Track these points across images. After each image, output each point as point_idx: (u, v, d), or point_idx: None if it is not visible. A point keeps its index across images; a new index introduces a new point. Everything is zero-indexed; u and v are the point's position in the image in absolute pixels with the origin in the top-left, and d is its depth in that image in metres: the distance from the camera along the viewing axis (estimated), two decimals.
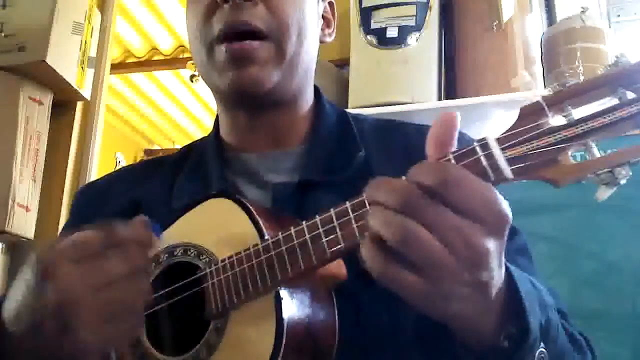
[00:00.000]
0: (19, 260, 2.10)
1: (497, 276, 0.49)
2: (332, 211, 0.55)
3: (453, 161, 0.49)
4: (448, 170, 0.46)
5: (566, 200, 1.47)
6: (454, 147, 0.50)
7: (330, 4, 0.89)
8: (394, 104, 1.78)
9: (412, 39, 1.83)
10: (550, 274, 1.47)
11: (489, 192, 0.46)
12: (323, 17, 0.86)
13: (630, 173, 0.46)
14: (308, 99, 0.85)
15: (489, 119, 1.75)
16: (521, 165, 0.48)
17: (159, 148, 5.25)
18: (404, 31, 1.84)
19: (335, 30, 0.88)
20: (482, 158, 0.48)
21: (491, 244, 0.46)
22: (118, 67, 3.77)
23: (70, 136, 2.24)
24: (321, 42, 0.85)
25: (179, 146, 5.09)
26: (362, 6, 1.92)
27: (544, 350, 0.55)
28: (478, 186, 0.46)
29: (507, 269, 0.52)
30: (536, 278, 0.67)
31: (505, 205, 0.46)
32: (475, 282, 0.47)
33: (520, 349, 0.53)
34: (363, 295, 0.65)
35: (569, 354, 0.61)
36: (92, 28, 2.26)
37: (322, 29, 0.86)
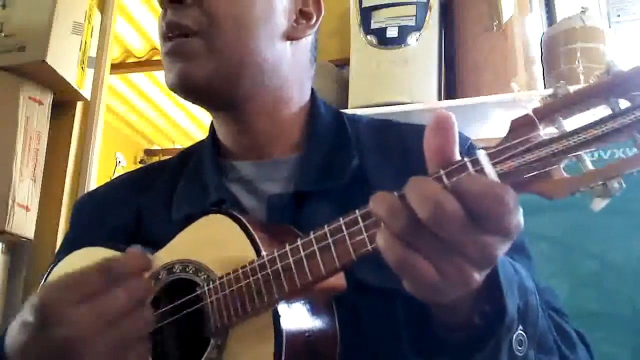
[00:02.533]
0: (19, 260, 2.10)
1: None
2: (326, 228, 0.55)
3: (445, 178, 0.48)
4: (442, 202, 0.45)
5: (566, 200, 1.46)
6: (457, 155, 0.49)
7: None
8: (394, 104, 1.78)
9: (412, 39, 1.83)
10: (550, 274, 1.47)
11: (508, 202, 0.45)
12: (301, 11, 0.82)
13: (624, 185, 0.46)
14: (292, 100, 0.82)
15: (489, 119, 1.75)
16: (513, 179, 0.47)
17: (159, 148, 5.25)
18: (404, 31, 1.84)
19: (317, 24, 0.83)
20: (473, 174, 0.48)
21: (502, 246, 0.47)
22: (118, 67, 3.77)
23: (70, 136, 2.24)
24: (294, 38, 0.81)
25: (179, 146, 5.09)
26: (362, 6, 1.91)
27: (522, 333, 0.55)
28: (500, 199, 0.45)
29: None
30: (534, 276, 0.67)
31: (520, 217, 0.46)
32: (480, 276, 0.48)
33: (496, 329, 0.53)
34: (363, 306, 0.65)
35: (552, 341, 0.61)
36: (92, 28, 2.26)
37: (298, 23, 0.81)
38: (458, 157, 0.49)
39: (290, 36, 0.80)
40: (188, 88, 0.76)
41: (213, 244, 0.67)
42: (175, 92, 0.78)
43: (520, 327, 0.55)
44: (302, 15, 0.82)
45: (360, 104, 1.82)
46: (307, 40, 0.84)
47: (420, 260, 0.46)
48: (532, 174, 0.47)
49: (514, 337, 0.55)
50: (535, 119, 0.48)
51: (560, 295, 0.73)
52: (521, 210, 0.46)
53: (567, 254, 1.56)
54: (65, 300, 0.55)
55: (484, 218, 0.45)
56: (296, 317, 0.60)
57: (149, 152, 5.14)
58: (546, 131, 0.48)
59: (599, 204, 0.47)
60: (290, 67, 0.81)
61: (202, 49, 0.74)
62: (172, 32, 0.75)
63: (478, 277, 0.48)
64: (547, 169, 0.47)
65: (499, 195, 0.45)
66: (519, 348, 0.55)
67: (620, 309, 1.48)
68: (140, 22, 3.65)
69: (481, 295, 0.53)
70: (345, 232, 0.53)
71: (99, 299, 0.55)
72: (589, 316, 1.44)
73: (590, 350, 0.68)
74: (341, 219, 0.53)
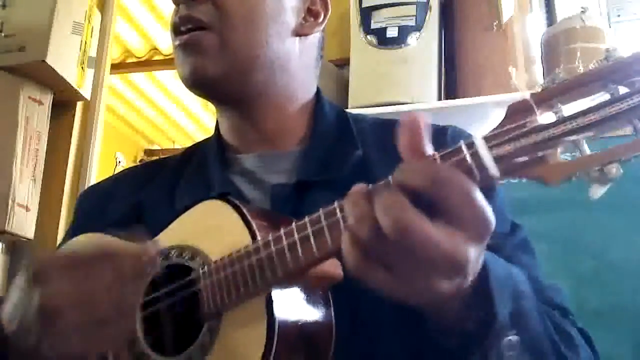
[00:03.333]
0: (19, 260, 2.10)
1: (472, 273, 0.49)
2: (321, 211, 0.54)
3: (439, 160, 0.48)
4: (435, 170, 0.46)
5: (566, 198, 1.47)
6: (429, 149, 0.49)
7: None
8: (394, 104, 1.78)
9: (412, 39, 1.83)
10: (550, 273, 1.46)
11: (476, 197, 0.45)
12: (309, 9, 0.84)
13: (622, 171, 0.45)
14: (297, 96, 0.84)
15: (489, 119, 1.75)
16: (508, 163, 0.47)
17: (159, 148, 5.25)
18: (404, 31, 1.84)
19: (325, 22, 0.86)
20: (468, 157, 0.47)
21: (472, 253, 0.46)
22: (118, 67, 3.77)
23: (70, 136, 2.24)
24: (303, 34, 0.83)
25: (179, 146, 5.09)
26: (362, 6, 1.92)
27: (513, 338, 0.55)
28: (466, 190, 0.45)
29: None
30: (538, 273, 0.66)
31: (490, 212, 0.46)
32: (450, 285, 0.47)
33: (487, 334, 0.53)
34: (361, 294, 0.65)
35: (549, 344, 0.61)
36: (92, 28, 2.26)
37: (306, 20, 0.83)
38: (430, 151, 0.49)
39: (299, 33, 0.82)
40: (201, 83, 0.78)
41: (209, 229, 0.67)
42: (187, 87, 0.79)
43: (513, 332, 0.55)
44: (310, 13, 0.84)
45: (360, 104, 1.82)
46: (315, 38, 0.86)
47: (380, 271, 0.46)
48: (528, 158, 0.47)
49: (505, 342, 0.54)
50: (533, 103, 0.47)
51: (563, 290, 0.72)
52: (485, 202, 0.45)
53: (567, 253, 1.56)
54: (54, 264, 0.57)
55: (445, 209, 0.45)
56: (290, 304, 0.60)
57: (149, 152, 5.14)
58: (544, 116, 0.47)
59: (597, 191, 0.46)
60: (297, 63, 0.83)
61: (215, 44, 0.76)
62: (185, 25, 0.77)
63: (448, 285, 0.47)
64: (543, 154, 0.47)
65: (444, 175, 0.45)
66: (510, 354, 0.55)
67: (620, 308, 1.48)
68: (140, 22, 3.65)
69: (472, 301, 0.52)
70: (339, 215, 0.52)
71: (85, 269, 0.57)
72: (589, 315, 1.44)
73: (594, 348, 0.68)
74: (336, 202, 0.53)
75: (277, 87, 0.81)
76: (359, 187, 0.49)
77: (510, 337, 0.55)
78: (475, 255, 0.46)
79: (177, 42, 0.78)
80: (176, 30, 0.78)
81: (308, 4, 0.84)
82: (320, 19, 0.85)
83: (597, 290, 1.50)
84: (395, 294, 0.48)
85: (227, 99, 0.82)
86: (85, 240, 0.77)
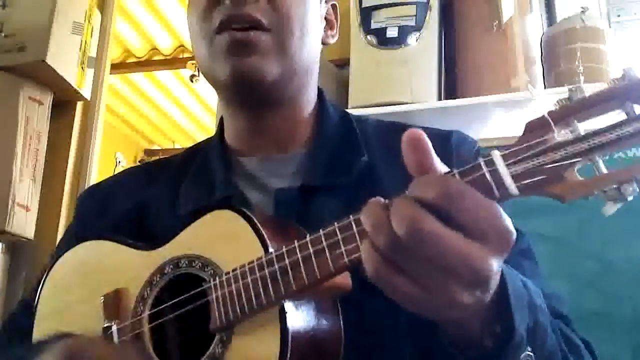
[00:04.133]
0: (19, 260, 2.10)
1: (494, 286, 0.48)
2: (335, 225, 0.54)
3: (458, 177, 0.48)
4: (451, 184, 0.45)
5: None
6: (437, 165, 0.49)
7: (334, 6, 0.89)
8: (394, 104, 1.78)
9: (412, 39, 1.83)
10: (550, 274, 1.46)
11: (494, 209, 0.45)
12: (326, 19, 0.86)
13: (638, 190, 0.45)
14: (310, 100, 0.84)
15: (489, 119, 1.75)
16: (527, 181, 0.47)
17: (159, 148, 5.25)
18: (404, 31, 1.84)
19: (338, 33, 0.89)
20: (487, 174, 0.47)
21: (494, 265, 0.46)
22: (118, 67, 3.77)
23: (70, 136, 2.24)
24: (324, 43, 0.85)
25: (178, 146, 5.09)
26: (362, 6, 1.91)
27: (530, 353, 0.55)
28: (483, 203, 0.45)
29: None
30: (541, 281, 0.66)
31: (509, 223, 0.46)
32: (472, 298, 0.47)
33: (504, 349, 0.53)
34: (368, 305, 0.65)
35: (560, 358, 0.61)
36: (92, 28, 2.26)
37: (325, 31, 0.86)
38: (441, 167, 0.49)
39: (324, 42, 0.85)
40: (256, 84, 0.75)
41: (220, 239, 0.66)
42: (233, 86, 0.76)
43: (529, 347, 0.55)
44: (327, 23, 0.87)
45: (360, 104, 1.81)
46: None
47: (399, 277, 0.46)
48: (546, 175, 0.47)
49: (522, 357, 0.54)
50: (551, 121, 0.48)
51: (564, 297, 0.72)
52: (508, 218, 0.45)
53: (567, 254, 1.56)
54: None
55: (460, 217, 0.44)
56: (302, 315, 0.60)
57: (149, 152, 5.14)
58: (561, 134, 0.47)
59: (612, 209, 0.47)
60: (317, 70, 0.85)
61: (273, 46, 0.74)
62: (240, 23, 0.73)
63: (469, 297, 0.46)
64: (561, 172, 0.47)
65: (466, 192, 0.44)
66: None
67: (620, 309, 1.47)
68: (140, 22, 3.65)
69: (490, 314, 0.52)
70: (355, 230, 0.52)
71: None
72: (589, 316, 1.44)
73: (595, 358, 0.68)
74: (351, 216, 0.53)
75: (306, 93, 0.83)
76: (375, 199, 0.48)
77: (527, 353, 0.54)
78: (497, 267, 0.46)
79: (228, 38, 0.73)
80: (225, 26, 0.73)
81: (325, 14, 0.86)
82: (335, 30, 0.88)
83: (597, 292, 1.50)
84: (417, 305, 0.47)
85: (268, 102, 0.80)
86: (91, 250, 0.77)
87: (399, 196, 0.47)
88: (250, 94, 0.78)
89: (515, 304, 0.53)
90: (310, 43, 0.79)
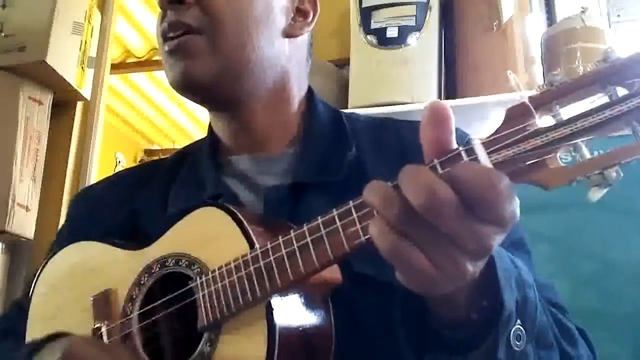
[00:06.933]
0: (19, 260, 2.10)
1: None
2: (319, 219, 0.54)
3: (439, 167, 0.47)
4: (436, 190, 0.45)
5: (566, 199, 1.46)
6: (454, 145, 0.49)
7: None
8: (394, 104, 1.78)
9: (412, 39, 1.83)
10: (550, 274, 1.46)
11: (499, 188, 0.45)
12: (299, 9, 0.83)
13: (622, 174, 0.45)
14: (289, 99, 0.83)
15: (489, 119, 1.75)
16: (508, 169, 0.46)
17: (159, 148, 5.24)
18: (404, 31, 1.84)
19: (314, 21, 0.84)
20: (468, 162, 0.47)
21: (497, 239, 0.47)
22: (118, 67, 3.76)
23: (70, 136, 2.24)
24: (292, 35, 0.82)
25: (178, 146, 5.08)
26: (362, 6, 1.92)
27: (520, 327, 0.55)
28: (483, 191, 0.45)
29: None
30: (533, 272, 0.66)
31: (515, 205, 0.45)
32: (474, 268, 0.48)
33: (494, 323, 0.53)
34: (359, 300, 0.65)
35: (552, 336, 0.61)
36: (92, 28, 2.26)
37: (294, 22, 0.82)
38: (455, 147, 0.49)
39: (289, 34, 0.81)
40: (192, 86, 0.77)
41: (206, 237, 0.66)
42: (178, 91, 0.78)
43: (519, 321, 0.55)
44: (299, 13, 0.83)
45: (360, 104, 1.82)
46: (304, 38, 0.85)
47: (414, 250, 0.46)
48: (528, 162, 0.46)
49: (512, 331, 0.54)
50: (531, 107, 0.47)
51: (560, 293, 0.73)
52: (517, 200, 0.45)
53: (568, 254, 1.56)
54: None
55: (478, 206, 0.44)
56: (290, 311, 0.59)
57: (149, 152, 5.14)
58: (543, 120, 0.47)
59: (597, 194, 0.46)
60: (288, 64, 0.82)
61: (205, 47, 0.75)
62: (173, 31, 0.75)
63: (472, 268, 0.47)
64: (543, 158, 0.46)
65: (493, 183, 0.44)
66: (517, 343, 0.55)
67: (621, 309, 1.47)
68: (140, 22, 3.65)
69: (478, 289, 0.52)
70: (338, 224, 0.52)
71: None
72: (589, 316, 1.44)
73: (592, 347, 0.68)
74: (334, 210, 0.53)
75: (268, 90, 0.80)
76: (374, 181, 0.48)
77: (517, 327, 0.55)
78: (498, 241, 0.47)
79: (166, 48, 0.76)
80: (165, 37, 0.76)
81: (297, 3, 0.83)
82: (310, 19, 0.84)
83: (597, 291, 1.50)
84: (426, 279, 0.47)
85: (218, 103, 0.81)
86: (81, 251, 0.78)
87: (412, 166, 0.47)
88: (196, 96, 0.79)
89: (504, 278, 0.54)
90: (257, 39, 0.77)
